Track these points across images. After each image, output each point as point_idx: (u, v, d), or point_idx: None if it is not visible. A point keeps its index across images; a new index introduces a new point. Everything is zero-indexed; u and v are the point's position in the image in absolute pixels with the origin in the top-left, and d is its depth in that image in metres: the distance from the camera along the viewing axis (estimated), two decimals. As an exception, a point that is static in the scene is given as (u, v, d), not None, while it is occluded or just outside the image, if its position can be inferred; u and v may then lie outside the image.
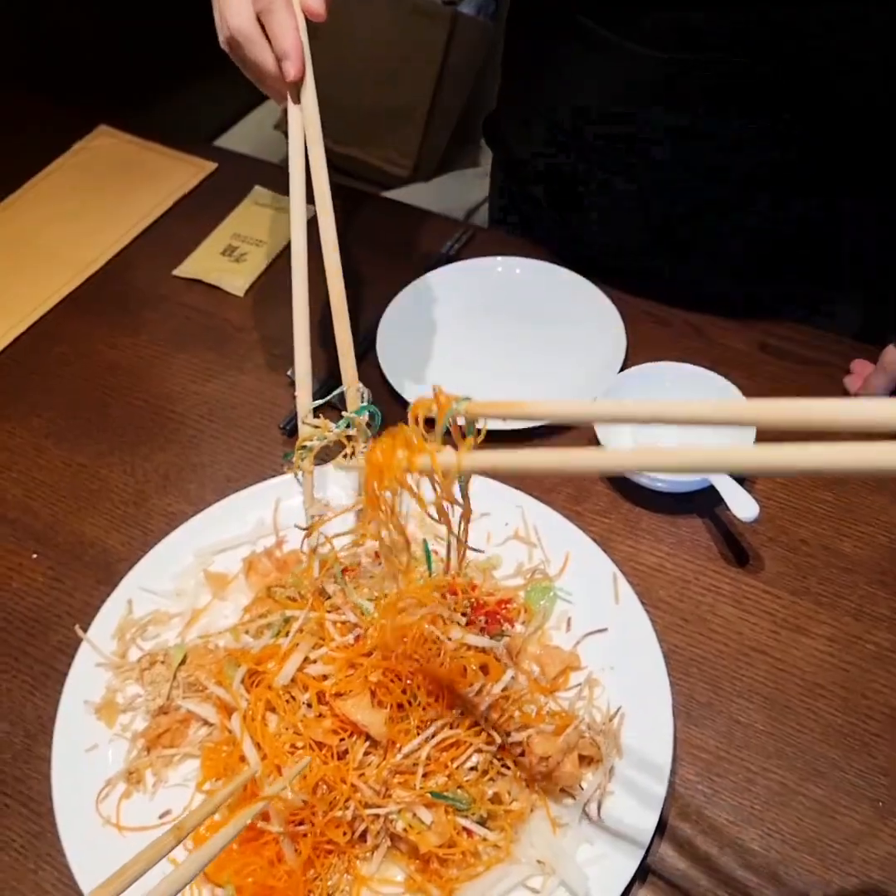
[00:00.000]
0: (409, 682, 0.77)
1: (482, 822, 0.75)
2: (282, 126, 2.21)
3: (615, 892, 0.72)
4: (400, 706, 0.77)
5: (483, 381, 1.10)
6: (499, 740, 0.77)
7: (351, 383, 0.89)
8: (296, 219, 0.86)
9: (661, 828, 0.77)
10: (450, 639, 0.80)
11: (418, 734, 0.76)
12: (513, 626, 0.86)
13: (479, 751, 0.77)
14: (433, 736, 0.76)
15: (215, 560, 0.94)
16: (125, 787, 0.81)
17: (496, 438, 1.02)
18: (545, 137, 1.15)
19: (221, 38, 0.82)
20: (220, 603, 0.91)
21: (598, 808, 0.77)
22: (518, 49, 1.18)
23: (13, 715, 0.87)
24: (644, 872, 0.75)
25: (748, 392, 0.99)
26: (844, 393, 1.05)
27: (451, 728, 0.77)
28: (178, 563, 0.93)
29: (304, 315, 0.88)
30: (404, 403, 1.04)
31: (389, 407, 1.07)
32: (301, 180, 0.81)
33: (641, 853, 0.74)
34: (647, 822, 0.75)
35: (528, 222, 1.30)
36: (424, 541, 0.88)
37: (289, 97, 0.80)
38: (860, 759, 0.80)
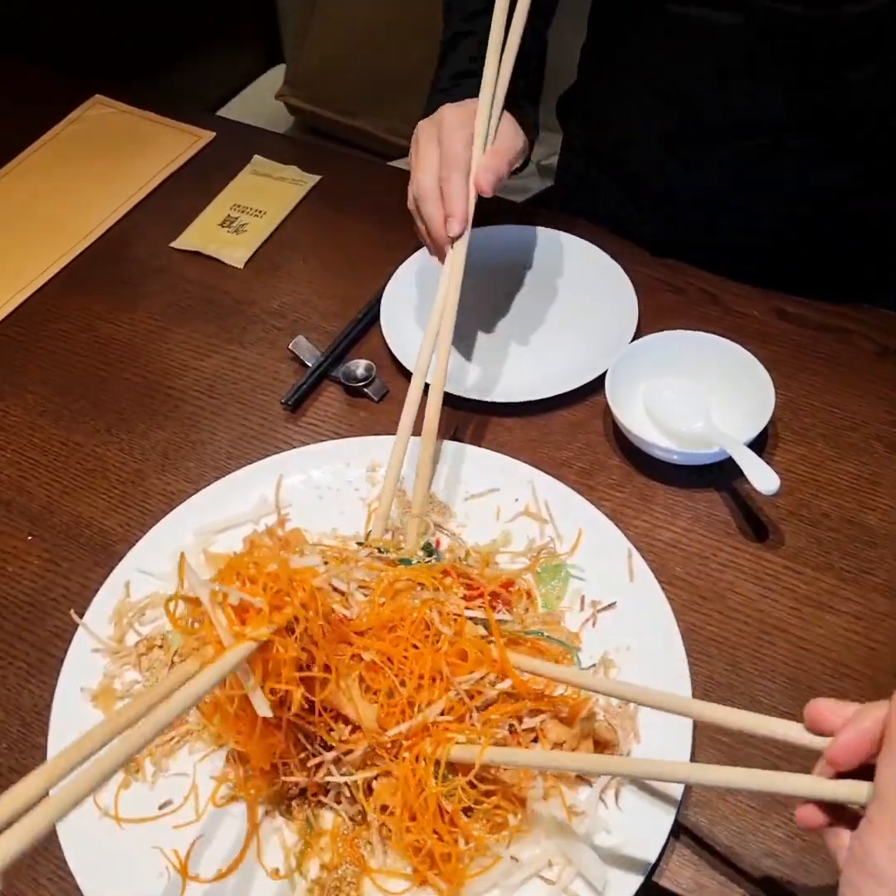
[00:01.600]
0: (401, 667, 0.74)
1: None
2: (284, 96, 2.17)
3: (634, 882, 0.70)
4: (391, 694, 0.73)
5: (491, 351, 1.07)
6: (503, 732, 0.74)
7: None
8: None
9: (682, 815, 0.74)
10: (449, 614, 0.76)
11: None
12: (511, 610, 0.83)
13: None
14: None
15: (216, 540, 0.91)
16: (123, 777, 0.78)
17: (491, 411, 1.00)
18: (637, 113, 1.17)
19: (409, 197, 0.99)
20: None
21: (616, 795, 0.74)
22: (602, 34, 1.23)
23: (9, 703, 0.84)
24: (664, 861, 0.72)
25: (765, 360, 0.95)
26: (869, 360, 1.02)
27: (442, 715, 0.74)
28: (177, 544, 0.90)
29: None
30: (408, 374, 1.01)
31: (394, 378, 1.04)
32: (452, 318, 0.92)
33: (661, 842, 0.71)
34: (666, 810, 0.72)
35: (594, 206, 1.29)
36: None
37: (448, 249, 0.95)
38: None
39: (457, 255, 0.94)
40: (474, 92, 0.97)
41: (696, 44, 1.04)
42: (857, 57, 0.98)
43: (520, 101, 1.02)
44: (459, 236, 0.94)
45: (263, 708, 0.66)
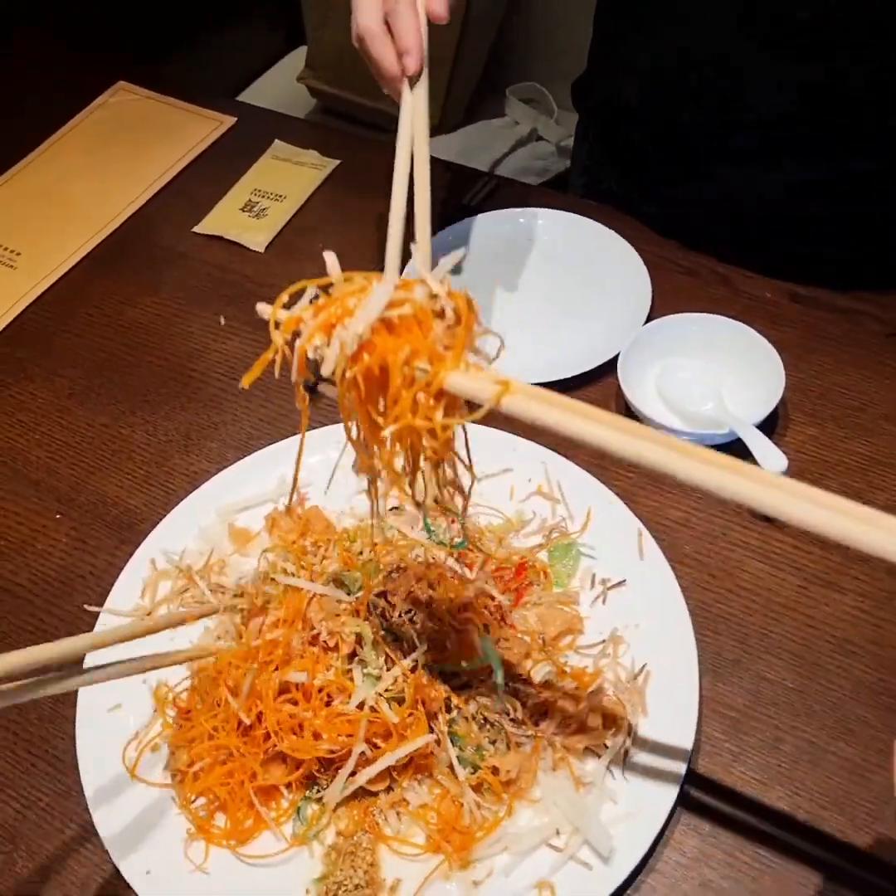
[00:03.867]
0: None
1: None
2: (305, 79, 2.18)
3: (639, 851, 0.72)
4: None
5: (505, 333, 1.07)
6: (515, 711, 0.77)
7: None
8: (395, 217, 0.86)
9: (687, 787, 0.76)
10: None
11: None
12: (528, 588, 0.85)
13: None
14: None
15: (237, 518, 0.94)
16: (151, 740, 0.81)
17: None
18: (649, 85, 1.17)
19: (353, 35, 0.90)
20: (241, 557, 0.91)
21: (623, 767, 0.76)
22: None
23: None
24: (669, 831, 0.74)
25: (776, 341, 0.96)
26: (879, 341, 1.03)
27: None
28: (199, 522, 0.93)
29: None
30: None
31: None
32: (405, 174, 0.85)
33: (666, 812, 0.73)
34: (672, 781, 0.74)
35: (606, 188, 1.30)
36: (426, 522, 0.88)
37: (404, 91, 0.86)
38: (893, 718, 0.78)
39: (418, 98, 0.85)
40: None
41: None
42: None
43: None
44: (417, 74, 0.86)
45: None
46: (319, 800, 0.76)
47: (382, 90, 0.91)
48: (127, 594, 0.89)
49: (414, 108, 0.85)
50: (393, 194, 0.85)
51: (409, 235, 0.80)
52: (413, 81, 0.86)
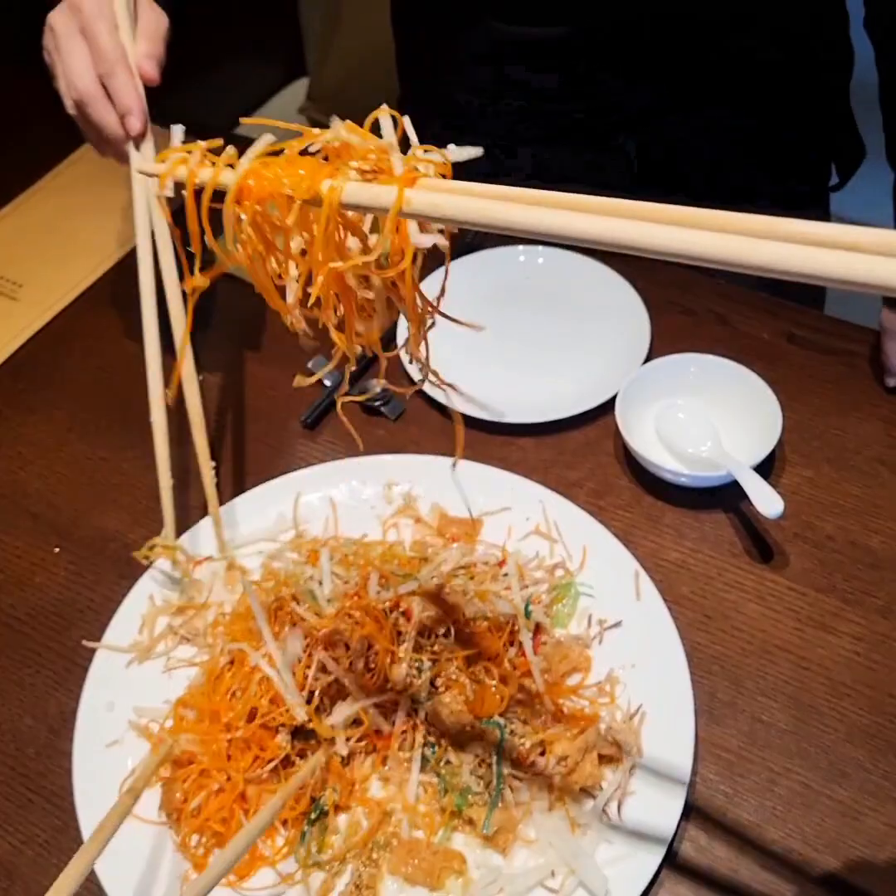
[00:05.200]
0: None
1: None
2: (306, 111, 2.20)
3: (635, 892, 0.72)
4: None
5: (504, 372, 1.09)
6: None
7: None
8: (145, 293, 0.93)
9: (682, 828, 0.76)
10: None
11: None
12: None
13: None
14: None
15: (236, 555, 0.94)
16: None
17: (503, 431, 1.02)
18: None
19: (69, 103, 0.90)
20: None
21: (619, 807, 0.76)
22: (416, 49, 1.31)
23: (37, 710, 0.88)
24: (664, 873, 0.75)
25: (773, 382, 0.97)
26: (874, 384, 1.04)
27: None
28: (198, 558, 0.93)
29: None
30: (424, 395, 1.03)
31: (411, 398, 1.06)
32: (148, 252, 0.91)
33: (662, 853, 0.73)
34: (667, 822, 0.75)
35: None
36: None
37: (130, 152, 0.88)
38: (886, 761, 0.79)
39: (145, 157, 0.87)
40: None
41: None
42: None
43: None
44: (143, 134, 0.87)
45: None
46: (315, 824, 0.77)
47: (100, 152, 0.92)
48: (125, 629, 0.89)
49: (144, 165, 0.85)
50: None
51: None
52: (139, 142, 0.88)
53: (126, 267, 1.26)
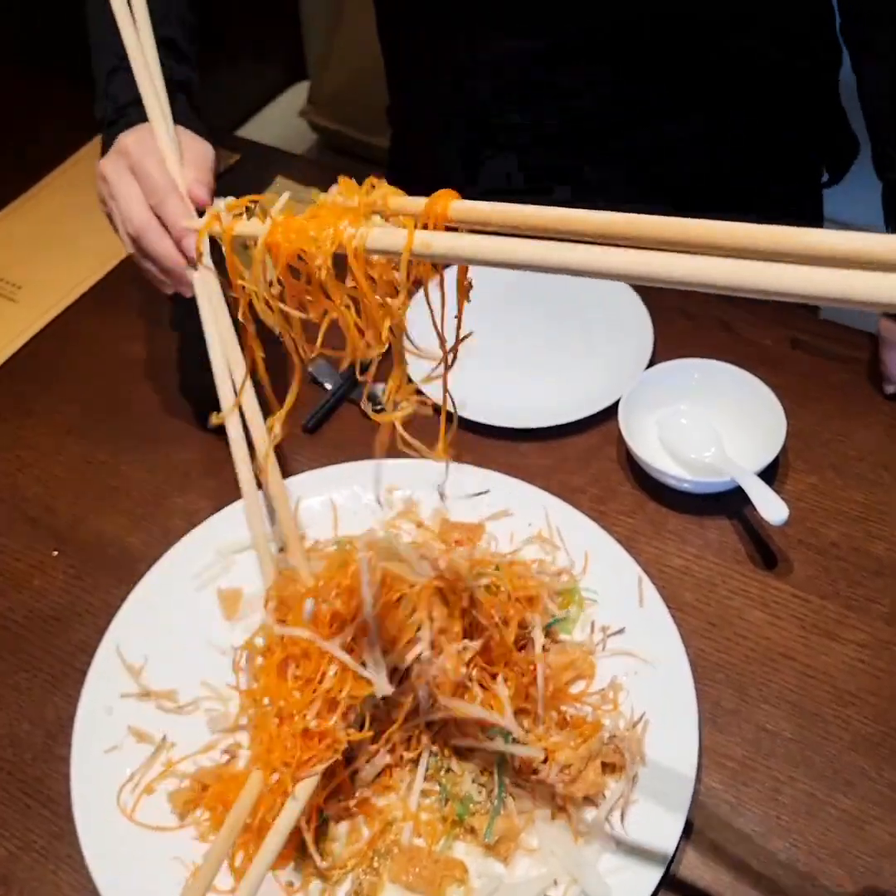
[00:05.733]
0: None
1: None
2: (307, 114, 2.20)
3: (638, 902, 0.72)
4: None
5: (505, 379, 1.08)
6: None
7: None
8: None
9: (686, 837, 0.75)
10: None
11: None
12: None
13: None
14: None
15: (236, 560, 0.93)
16: (147, 784, 0.80)
17: (506, 436, 1.02)
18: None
19: (127, 242, 0.92)
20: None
21: (622, 816, 0.76)
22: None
23: (34, 714, 0.87)
24: (667, 883, 0.74)
25: (777, 388, 0.97)
26: (878, 390, 1.04)
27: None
28: (197, 562, 0.93)
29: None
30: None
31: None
32: (220, 348, 0.91)
33: (665, 863, 0.73)
34: (671, 832, 0.74)
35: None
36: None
37: (194, 280, 0.90)
38: (891, 770, 0.78)
39: (207, 281, 0.89)
40: (144, 117, 0.93)
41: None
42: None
43: (186, 114, 0.99)
44: (200, 254, 0.87)
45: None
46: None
47: (164, 288, 0.93)
48: (124, 633, 0.88)
49: (208, 291, 0.89)
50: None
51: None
52: (194, 263, 0.88)
53: (125, 270, 1.26)
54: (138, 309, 1.21)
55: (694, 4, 1.05)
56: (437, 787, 0.78)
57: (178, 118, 0.95)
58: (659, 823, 0.75)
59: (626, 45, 1.09)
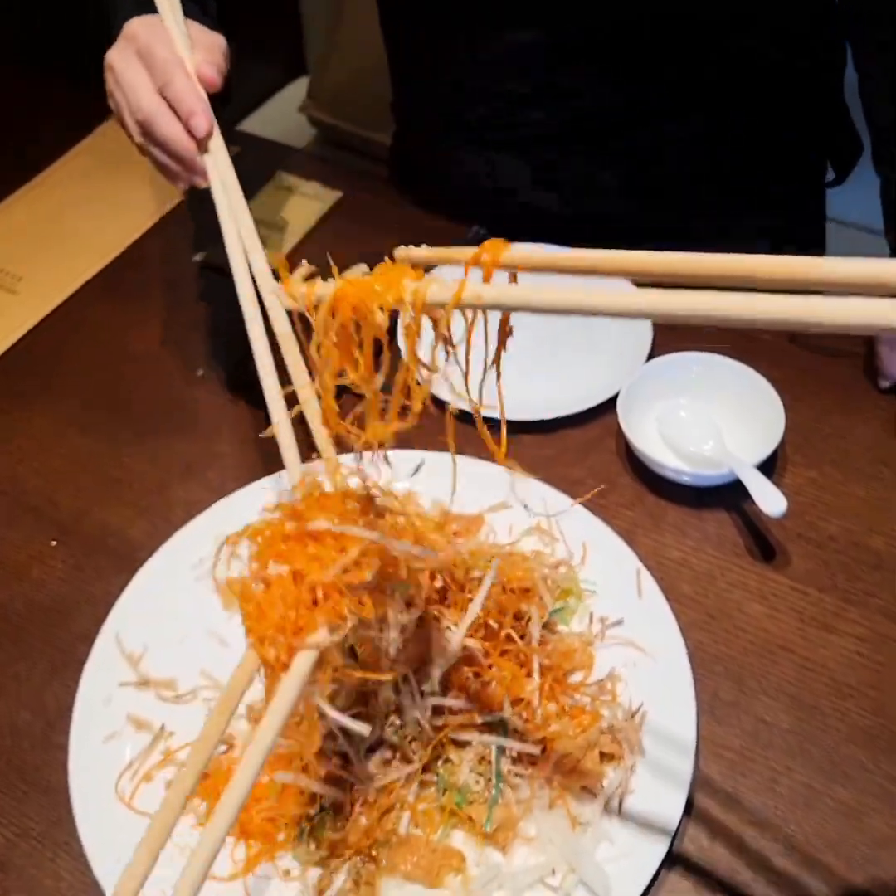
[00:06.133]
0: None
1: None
2: (307, 109, 2.20)
3: (636, 891, 0.71)
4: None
5: (506, 370, 1.08)
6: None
7: None
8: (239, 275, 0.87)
9: (683, 827, 0.75)
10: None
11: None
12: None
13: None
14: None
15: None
16: (146, 772, 0.81)
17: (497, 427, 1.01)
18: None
19: (135, 131, 0.89)
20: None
21: (620, 805, 0.76)
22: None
23: (33, 703, 0.87)
24: (665, 871, 0.74)
25: (776, 383, 0.97)
26: (874, 382, 1.04)
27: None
28: (198, 552, 0.93)
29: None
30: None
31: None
32: (236, 234, 0.86)
33: (663, 852, 0.73)
34: (668, 821, 0.74)
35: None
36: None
37: (207, 166, 0.86)
38: (889, 762, 0.79)
39: (220, 160, 0.86)
40: (153, 9, 0.91)
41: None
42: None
43: (197, 14, 0.96)
44: (209, 134, 0.86)
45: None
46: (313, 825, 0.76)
47: (176, 181, 0.90)
48: (123, 624, 0.88)
49: (221, 171, 0.86)
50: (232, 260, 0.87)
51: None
52: (206, 144, 0.86)
53: (126, 261, 1.26)
54: (139, 300, 1.21)
55: (694, 4, 1.05)
56: (435, 777, 0.78)
57: (189, 15, 0.93)
58: (657, 813, 0.75)
59: (626, 44, 1.09)
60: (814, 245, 1.31)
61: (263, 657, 0.63)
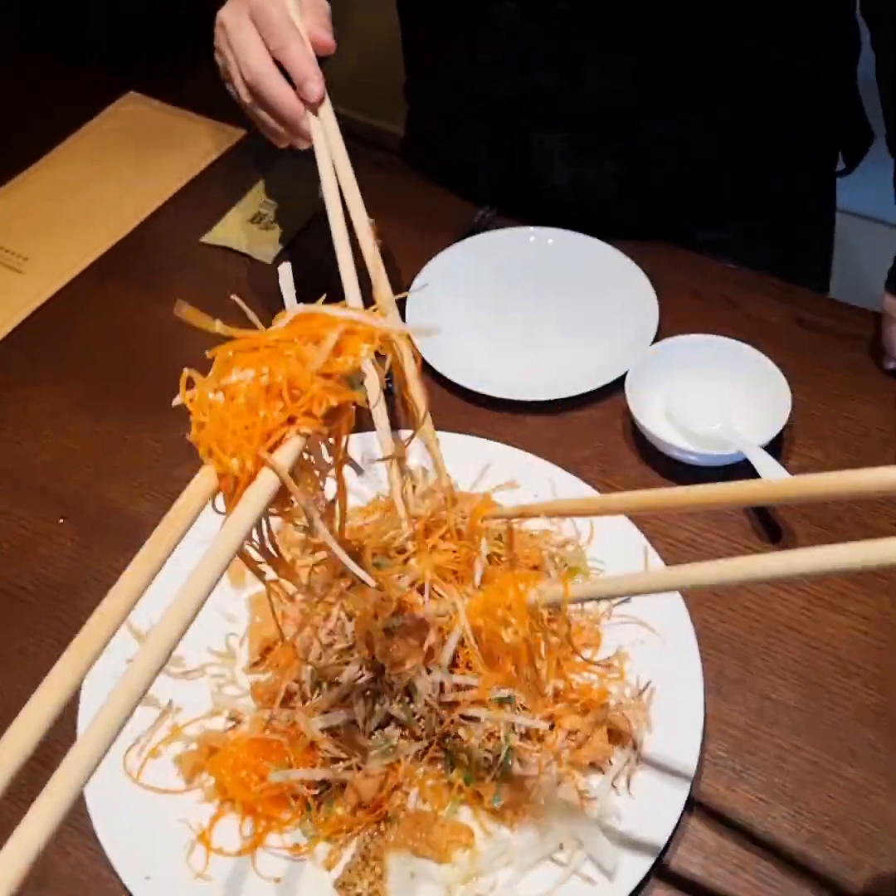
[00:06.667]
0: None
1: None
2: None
3: (643, 867, 0.72)
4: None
5: (513, 352, 1.09)
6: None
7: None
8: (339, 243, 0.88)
9: (690, 804, 0.76)
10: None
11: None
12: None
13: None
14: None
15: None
16: (153, 747, 0.81)
17: (513, 408, 1.02)
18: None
19: (243, 91, 0.90)
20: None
21: (627, 782, 0.76)
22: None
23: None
24: (672, 847, 0.74)
25: (782, 365, 0.97)
26: (879, 368, 1.04)
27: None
28: (202, 531, 0.93)
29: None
30: (433, 373, 1.03)
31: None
32: (337, 203, 0.89)
33: (670, 828, 0.73)
34: (676, 798, 0.74)
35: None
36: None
37: (312, 126, 0.88)
38: (894, 740, 0.79)
39: (329, 126, 0.88)
40: None
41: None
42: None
43: None
44: (321, 99, 0.87)
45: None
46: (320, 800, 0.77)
47: (279, 141, 0.92)
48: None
49: (328, 135, 0.87)
50: (333, 229, 0.88)
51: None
52: (317, 109, 0.87)
53: (132, 242, 1.26)
54: (144, 281, 1.21)
55: (694, 4, 1.05)
56: (443, 754, 0.78)
57: None
58: (664, 790, 0.75)
59: (627, 44, 1.08)
60: (815, 245, 1.31)
61: (225, 467, 0.54)
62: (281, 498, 0.56)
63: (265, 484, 0.54)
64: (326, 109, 0.87)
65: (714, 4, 1.05)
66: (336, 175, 0.90)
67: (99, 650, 0.50)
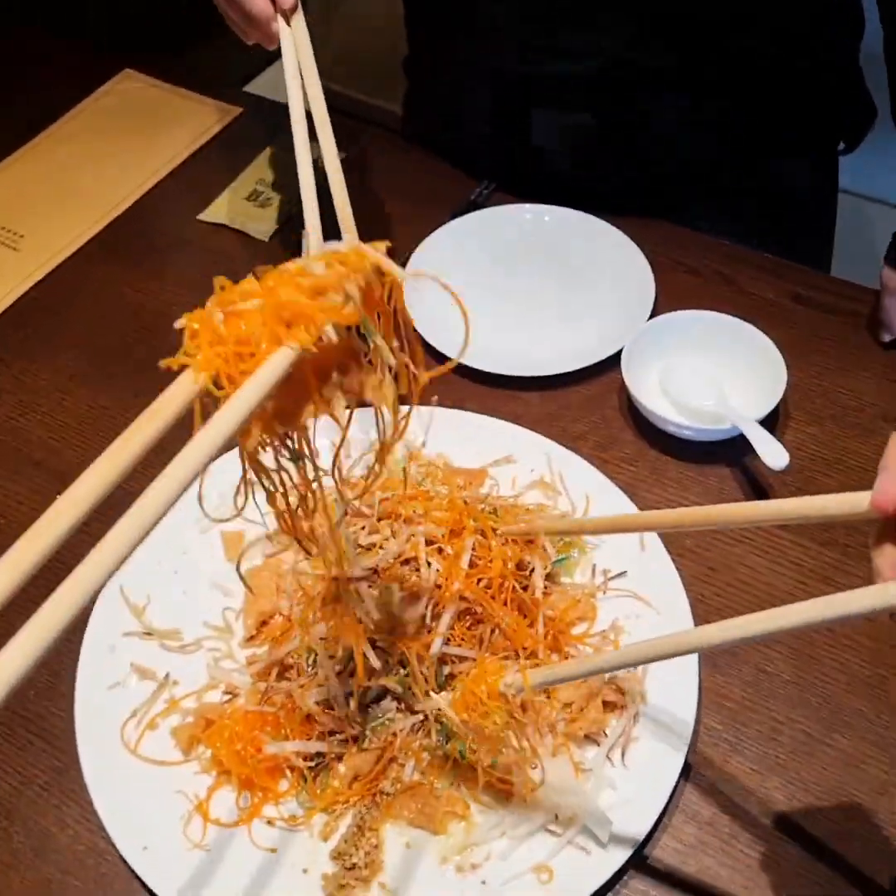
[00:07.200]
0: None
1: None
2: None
3: (637, 838, 0.72)
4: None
5: (509, 328, 1.09)
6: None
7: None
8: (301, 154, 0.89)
9: (685, 775, 0.76)
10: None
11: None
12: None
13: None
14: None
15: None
16: (151, 719, 0.81)
17: (510, 384, 1.02)
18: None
19: None
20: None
21: (622, 754, 0.77)
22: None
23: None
24: (667, 818, 0.75)
25: (778, 341, 0.97)
26: (874, 344, 1.04)
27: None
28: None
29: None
30: (430, 349, 1.03)
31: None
32: (301, 111, 0.88)
33: (665, 799, 0.74)
34: (670, 769, 0.75)
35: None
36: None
37: (281, 27, 0.87)
38: (888, 711, 0.79)
39: (298, 31, 0.86)
40: None
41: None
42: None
43: None
44: (294, 6, 0.86)
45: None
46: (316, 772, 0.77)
47: (246, 37, 0.92)
48: (126, 578, 0.88)
49: (297, 43, 0.85)
50: (297, 150, 0.88)
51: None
52: (289, 17, 0.86)
53: (129, 219, 1.26)
54: (141, 259, 1.21)
55: (694, 4, 1.04)
56: (439, 726, 0.78)
57: None
58: (659, 761, 0.76)
59: (627, 44, 1.08)
60: (816, 227, 1.30)
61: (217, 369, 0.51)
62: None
63: (279, 360, 0.51)
64: (299, 21, 0.86)
65: (714, 4, 1.05)
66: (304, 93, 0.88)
67: (64, 535, 0.48)
